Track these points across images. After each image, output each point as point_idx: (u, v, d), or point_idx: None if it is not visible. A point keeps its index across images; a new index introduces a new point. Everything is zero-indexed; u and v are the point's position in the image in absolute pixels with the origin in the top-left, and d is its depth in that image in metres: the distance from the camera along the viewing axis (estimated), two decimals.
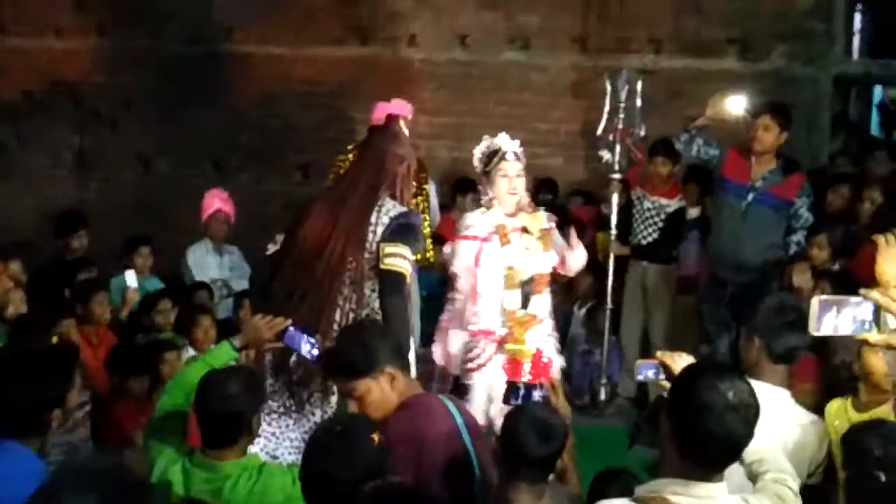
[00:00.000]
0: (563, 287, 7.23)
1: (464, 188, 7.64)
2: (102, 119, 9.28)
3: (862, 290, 2.51)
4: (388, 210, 4.15)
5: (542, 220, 5.24)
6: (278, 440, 4.05)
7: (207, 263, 7.37)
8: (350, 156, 6.39)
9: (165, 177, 9.17)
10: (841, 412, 3.98)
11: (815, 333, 2.50)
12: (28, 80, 9.36)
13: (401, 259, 4.07)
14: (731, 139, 6.63)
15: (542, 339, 5.13)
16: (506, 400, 4.47)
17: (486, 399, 5.03)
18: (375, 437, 2.86)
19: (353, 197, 4.19)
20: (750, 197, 6.36)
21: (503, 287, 5.09)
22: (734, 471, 2.75)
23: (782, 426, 3.45)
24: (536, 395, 3.75)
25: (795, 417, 3.58)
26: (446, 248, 5.36)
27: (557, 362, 5.27)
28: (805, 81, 8.16)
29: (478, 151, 5.26)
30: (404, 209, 4.21)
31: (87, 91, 9.27)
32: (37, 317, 5.07)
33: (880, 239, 2.63)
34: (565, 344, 6.53)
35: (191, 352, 5.75)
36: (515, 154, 5.14)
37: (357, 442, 2.84)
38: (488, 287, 5.11)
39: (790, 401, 3.60)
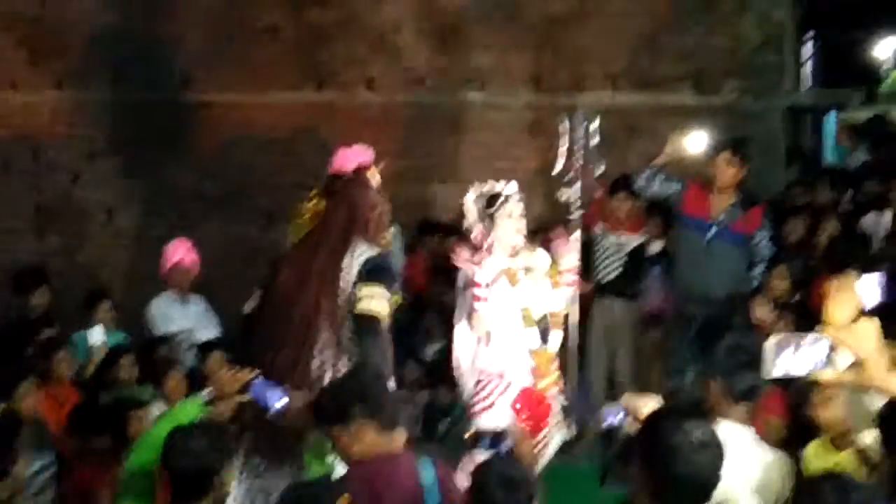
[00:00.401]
0: None
1: (428, 230, 7.67)
2: (63, 172, 9.24)
3: (817, 328, 2.56)
4: (360, 253, 4.15)
5: (544, 258, 5.35)
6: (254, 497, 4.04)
7: (172, 314, 7.31)
8: (313, 202, 6.42)
9: (129, 228, 9.13)
10: (820, 452, 4.01)
11: (773, 375, 2.54)
12: None
13: (375, 300, 4.05)
14: (689, 175, 6.72)
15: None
16: (470, 447, 4.49)
17: None
18: (343, 500, 2.86)
19: (325, 244, 4.20)
20: (712, 231, 6.44)
21: (523, 327, 5.19)
22: None
23: (746, 465, 3.48)
24: (504, 444, 3.75)
25: (759, 455, 3.61)
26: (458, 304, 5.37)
27: (556, 406, 5.35)
28: (757, 114, 8.30)
29: (470, 199, 5.31)
30: (377, 251, 4.21)
31: (47, 144, 9.24)
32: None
33: (831, 285, 2.68)
34: None
35: (160, 405, 5.71)
36: (517, 195, 5.28)
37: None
38: (501, 329, 5.19)
39: (753, 439, 3.64)
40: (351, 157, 6.34)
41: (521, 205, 5.27)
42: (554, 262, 5.39)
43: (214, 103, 9.02)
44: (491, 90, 8.76)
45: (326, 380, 3.97)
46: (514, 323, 5.17)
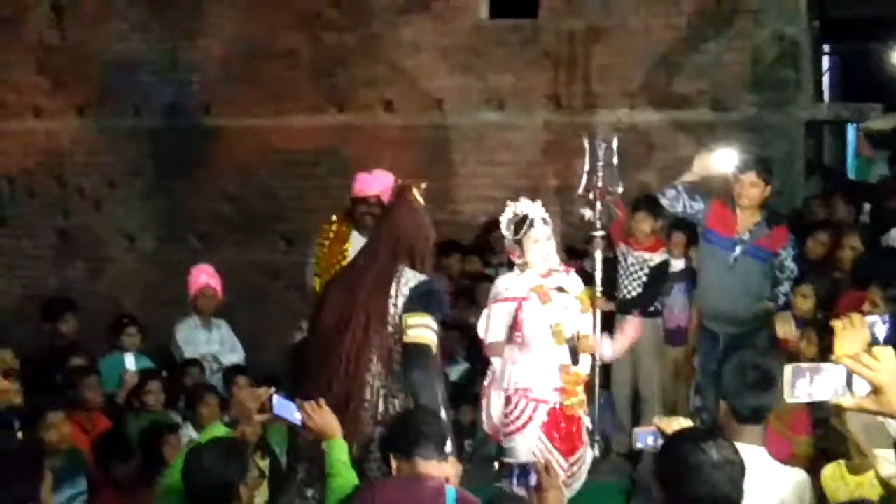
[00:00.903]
0: None
1: (449, 251, 7.69)
2: (86, 198, 9.33)
3: (833, 356, 2.57)
4: (407, 280, 4.14)
5: (577, 281, 5.40)
6: None
7: (197, 339, 7.36)
8: (334, 225, 6.46)
9: (151, 253, 9.21)
10: (836, 476, 4.01)
11: (790, 401, 2.55)
12: (9, 162, 9.43)
13: (424, 329, 4.04)
14: (713, 192, 6.73)
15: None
16: (496, 479, 4.49)
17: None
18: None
19: (371, 272, 4.18)
20: (738, 250, 6.43)
21: (553, 344, 5.20)
22: None
23: (762, 485, 3.49)
24: (532, 477, 3.70)
25: (775, 475, 3.62)
26: (482, 316, 5.42)
27: (584, 428, 5.40)
28: (776, 128, 8.30)
29: (505, 219, 5.37)
30: (424, 278, 4.21)
31: (70, 171, 9.34)
32: (31, 409, 5.07)
33: (837, 324, 2.69)
34: None
35: (191, 430, 5.75)
36: (543, 220, 5.28)
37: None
38: (531, 346, 5.21)
39: (767, 459, 3.63)
40: (371, 181, 6.41)
41: (548, 228, 5.27)
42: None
43: (234, 128, 9.10)
44: (509, 110, 8.79)
45: (381, 410, 4.03)
46: (544, 339, 5.18)
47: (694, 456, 2.55)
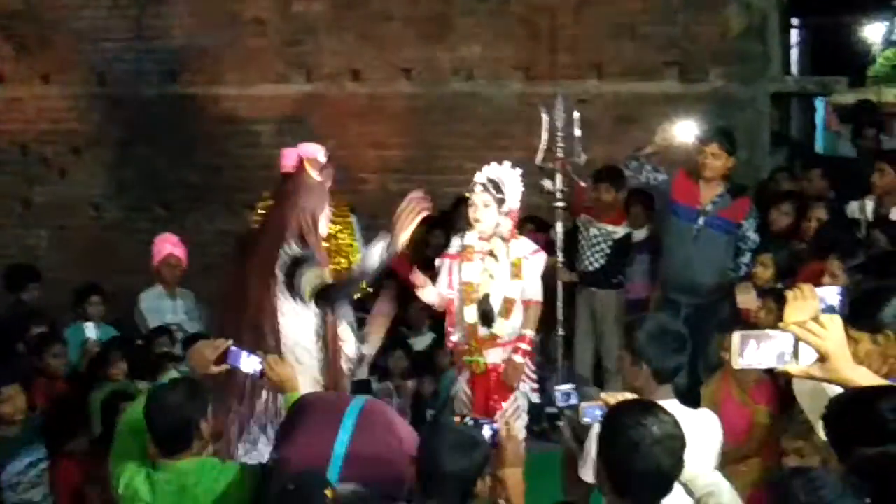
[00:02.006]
0: None
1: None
2: (50, 166, 9.24)
3: (780, 324, 2.60)
4: (291, 252, 4.37)
5: (518, 248, 5.42)
6: None
7: (161, 308, 7.32)
8: (269, 201, 6.46)
9: (115, 221, 9.14)
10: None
11: (737, 367, 2.58)
12: None
13: (309, 280, 4.30)
14: (677, 163, 6.74)
15: (501, 359, 5.39)
16: None
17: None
18: (328, 492, 2.89)
19: (262, 245, 4.44)
20: (700, 221, 6.46)
21: (464, 304, 5.39)
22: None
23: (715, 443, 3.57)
24: (486, 430, 3.70)
25: (688, 420, 3.66)
26: None
27: (522, 401, 5.46)
28: (743, 100, 8.32)
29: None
30: (307, 251, 4.40)
31: (34, 139, 9.24)
32: None
33: (789, 294, 2.72)
34: None
35: None
36: (483, 185, 5.32)
37: (310, 499, 2.88)
38: (454, 303, 5.44)
39: (681, 407, 3.65)
40: (292, 156, 6.38)
41: (487, 195, 5.32)
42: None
43: (200, 96, 9.03)
44: (478, 80, 8.76)
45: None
46: (459, 297, 5.41)
47: (634, 431, 2.56)
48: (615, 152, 7.28)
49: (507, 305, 5.37)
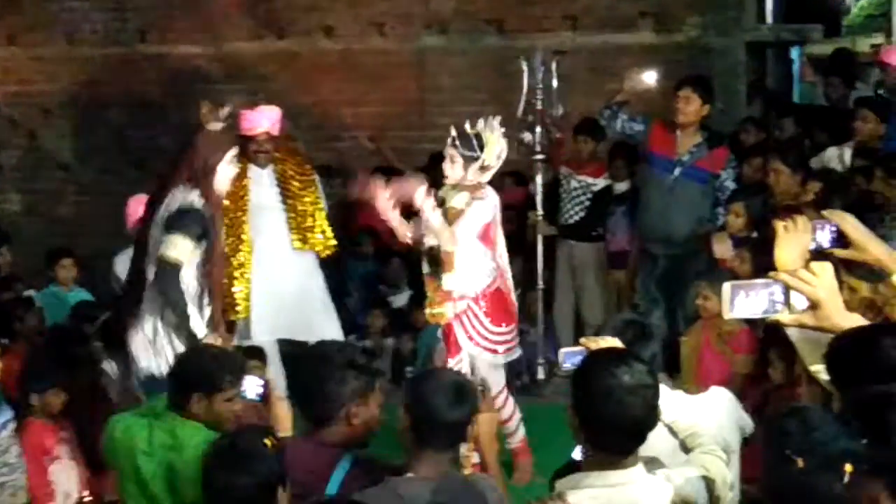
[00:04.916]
0: None
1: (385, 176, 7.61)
2: (19, 129, 9.12)
3: (771, 273, 2.56)
4: (174, 201, 4.53)
5: (456, 199, 5.34)
6: None
7: None
8: None
9: (88, 184, 9.04)
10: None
11: (728, 317, 2.55)
12: None
13: (171, 247, 4.46)
14: (653, 113, 6.71)
15: (451, 315, 5.32)
16: None
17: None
18: (267, 441, 2.86)
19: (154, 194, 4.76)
20: (677, 171, 6.44)
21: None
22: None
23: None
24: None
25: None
26: None
27: (482, 371, 5.40)
28: (719, 50, 8.28)
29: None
30: (188, 200, 4.52)
31: (2, 101, 9.11)
32: None
33: (779, 226, 2.67)
34: None
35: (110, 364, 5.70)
36: (451, 139, 5.27)
37: (249, 449, 2.85)
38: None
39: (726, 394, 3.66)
40: (257, 118, 6.35)
41: (452, 151, 5.27)
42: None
43: (171, 55, 8.91)
44: (451, 35, 8.68)
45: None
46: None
47: (606, 380, 2.52)
48: (593, 104, 7.22)
49: (448, 258, 5.25)
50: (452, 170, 5.29)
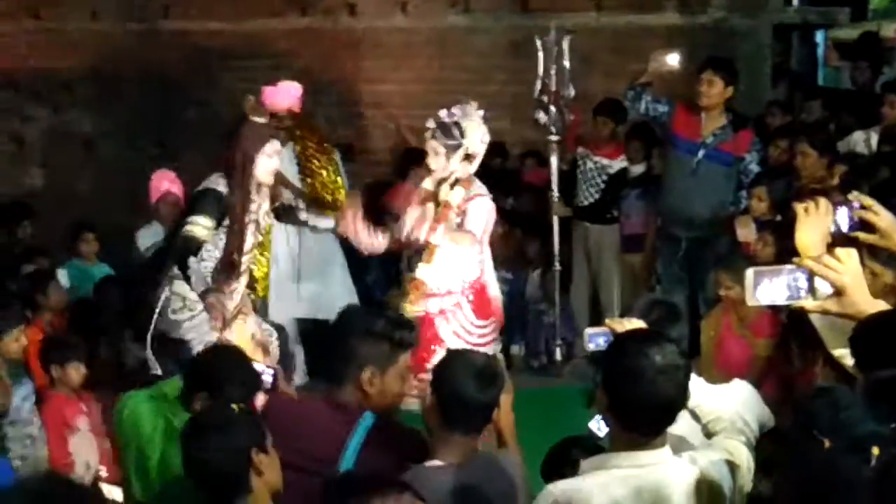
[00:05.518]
0: (516, 251, 7.30)
1: (412, 158, 7.60)
2: (42, 104, 9.14)
3: (795, 259, 2.53)
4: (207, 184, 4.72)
5: (456, 195, 5.21)
6: None
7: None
8: None
9: (110, 159, 9.06)
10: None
11: (752, 304, 2.52)
12: None
13: (193, 227, 4.60)
14: (677, 95, 6.66)
15: (434, 310, 5.20)
16: None
17: None
18: (234, 406, 2.86)
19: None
20: (700, 154, 6.38)
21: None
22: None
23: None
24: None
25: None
26: None
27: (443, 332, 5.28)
28: (744, 32, 8.21)
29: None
30: (218, 184, 4.67)
31: (25, 75, 9.12)
32: None
33: (800, 208, 2.64)
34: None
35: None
36: (432, 131, 5.13)
37: (218, 418, 2.85)
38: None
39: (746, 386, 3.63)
40: (278, 95, 6.36)
41: (435, 142, 5.10)
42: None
43: (193, 31, 8.89)
44: (475, 13, 8.63)
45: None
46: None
47: (637, 360, 2.51)
48: (614, 85, 7.17)
49: (431, 250, 5.16)
50: (437, 162, 5.13)
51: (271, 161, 4.74)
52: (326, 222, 5.73)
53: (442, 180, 5.19)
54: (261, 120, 4.82)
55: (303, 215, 5.46)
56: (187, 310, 4.56)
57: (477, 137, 5.17)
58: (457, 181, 5.20)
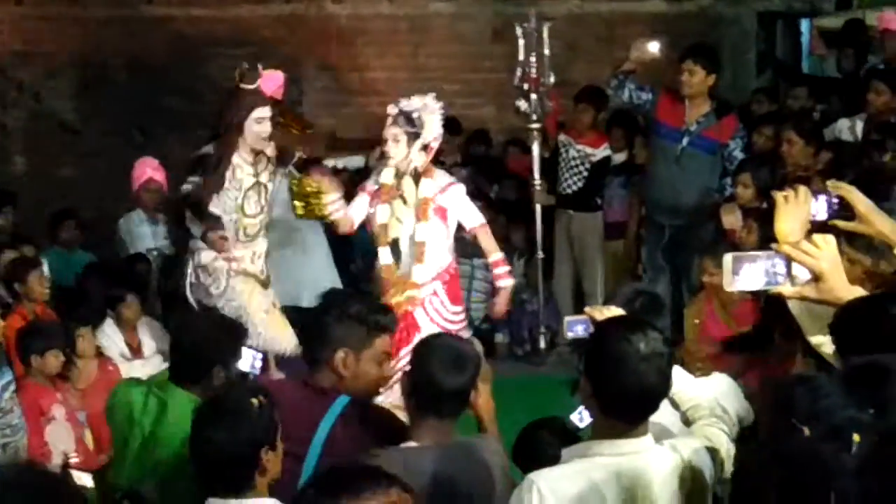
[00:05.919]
0: (500, 238, 7.28)
1: None
2: (25, 90, 9.08)
3: (773, 245, 2.53)
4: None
5: (427, 187, 5.21)
6: None
7: (142, 233, 7.21)
8: None
9: (93, 146, 9.01)
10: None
11: (730, 289, 2.51)
12: None
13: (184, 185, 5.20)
14: (661, 83, 6.66)
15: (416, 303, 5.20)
16: None
17: None
18: (255, 400, 2.78)
19: None
20: (684, 141, 6.39)
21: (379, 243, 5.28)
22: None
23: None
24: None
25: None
26: None
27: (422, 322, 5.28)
28: (729, 20, 8.21)
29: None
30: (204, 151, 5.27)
31: (8, 61, 9.06)
32: None
33: (779, 196, 2.64)
34: None
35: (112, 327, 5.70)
36: (393, 118, 5.14)
37: (234, 407, 2.78)
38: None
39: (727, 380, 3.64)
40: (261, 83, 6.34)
41: (396, 129, 5.11)
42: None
43: (178, 18, 8.84)
44: (459, 1, 8.62)
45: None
46: (376, 236, 5.31)
47: (621, 347, 2.49)
48: (600, 73, 7.17)
49: (419, 249, 5.17)
50: (397, 149, 5.14)
51: (261, 126, 5.00)
52: None
53: (402, 174, 5.18)
54: (251, 87, 5.17)
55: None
56: (211, 278, 5.02)
57: (433, 131, 5.17)
58: (419, 175, 5.19)
